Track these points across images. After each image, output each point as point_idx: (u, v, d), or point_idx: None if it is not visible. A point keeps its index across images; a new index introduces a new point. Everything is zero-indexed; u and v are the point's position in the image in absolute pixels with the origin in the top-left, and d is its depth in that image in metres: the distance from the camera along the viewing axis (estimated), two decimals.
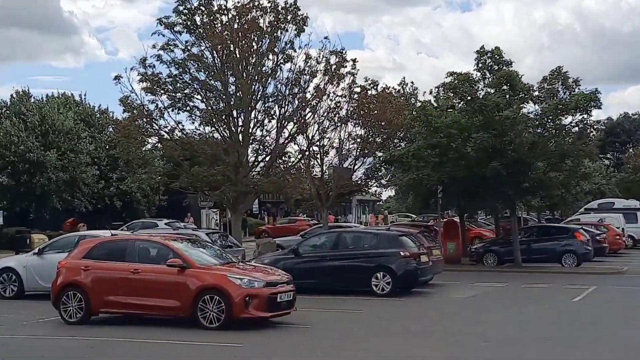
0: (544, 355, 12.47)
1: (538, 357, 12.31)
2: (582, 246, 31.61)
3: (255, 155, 31.17)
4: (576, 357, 12.25)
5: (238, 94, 29.73)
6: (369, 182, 38.74)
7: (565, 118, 30.29)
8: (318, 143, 34.22)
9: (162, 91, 29.75)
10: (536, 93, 30.73)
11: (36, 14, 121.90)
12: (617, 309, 18.98)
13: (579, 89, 30.24)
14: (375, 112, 34.18)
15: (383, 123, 34.34)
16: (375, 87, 35.25)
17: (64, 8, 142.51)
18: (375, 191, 44.90)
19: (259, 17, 29.77)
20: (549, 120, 30.27)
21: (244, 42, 29.47)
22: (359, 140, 35.24)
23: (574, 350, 12.91)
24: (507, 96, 30.01)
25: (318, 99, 31.55)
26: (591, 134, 32.33)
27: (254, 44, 29.71)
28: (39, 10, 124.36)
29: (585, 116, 30.06)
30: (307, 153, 33.83)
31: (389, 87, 37.85)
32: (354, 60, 32.53)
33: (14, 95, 51.79)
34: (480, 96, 30.09)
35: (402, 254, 21.44)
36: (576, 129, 30.77)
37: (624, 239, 42.25)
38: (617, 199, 53.10)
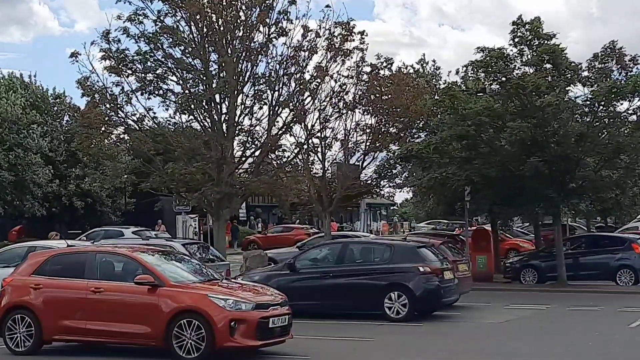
0: None
1: None
2: None
3: (242, 149, 31.15)
4: None
5: (221, 75, 29.73)
6: (381, 182, 38.71)
7: (621, 104, 30.40)
8: (319, 134, 34.24)
9: (130, 71, 29.71)
10: (585, 73, 30.74)
11: None
12: None
13: (637, 68, 30.30)
14: (389, 96, 34.19)
15: (398, 110, 34.33)
16: (389, 67, 35.24)
17: None
18: (389, 193, 44.94)
19: None
20: (601, 107, 30.28)
21: (228, 11, 29.47)
22: (368, 131, 35.19)
23: None
24: (550, 77, 30.03)
25: (319, 81, 31.55)
26: None
27: (240, 13, 29.72)
28: None
29: None
30: (305, 147, 33.81)
31: (406, 66, 37.87)
32: (362, 33, 32.55)
33: None
34: (517, 77, 30.10)
35: (421, 269, 21.49)
36: (634, 117, 30.78)
37: None
38: None
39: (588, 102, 30.54)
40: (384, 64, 34.90)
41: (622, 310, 23.78)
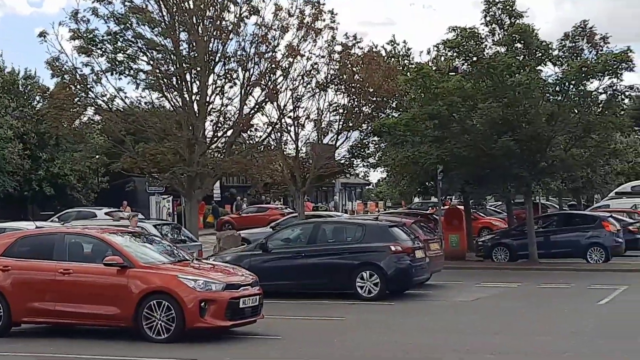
0: None
1: None
2: (612, 238, 31.82)
3: (214, 128, 31.12)
4: None
5: (192, 54, 29.60)
6: (355, 162, 38.73)
7: (591, 83, 30.40)
8: (291, 114, 34.21)
9: (99, 51, 29.56)
10: (556, 52, 30.76)
11: None
12: None
13: (607, 47, 30.36)
14: (361, 75, 34.15)
15: (371, 89, 34.32)
16: (358, 45, 35.16)
17: None
18: (363, 172, 45.01)
19: None
20: (572, 86, 30.31)
21: None
22: (341, 110, 35.20)
23: None
24: (521, 56, 30.06)
25: (291, 60, 31.48)
26: (623, 102, 32.42)
27: None
28: None
29: (615, 80, 30.12)
30: (278, 126, 33.78)
31: (376, 45, 37.78)
32: (332, 12, 32.51)
33: None
34: (488, 56, 30.12)
35: (393, 248, 21.53)
36: (604, 96, 30.86)
37: None
38: None
39: (559, 82, 30.58)
40: (355, 43, 34.83)
41: (592, 288, 23.91)
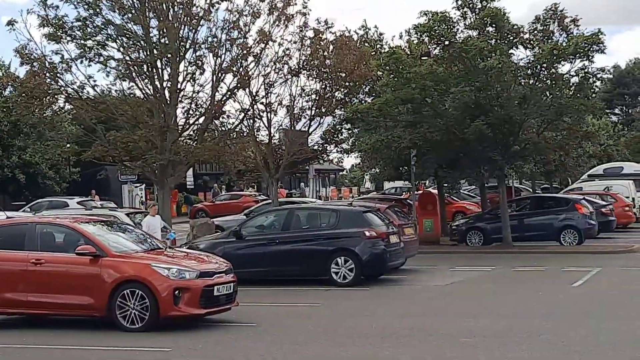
0: (535, 354, 12.60)
1: (525, 357, 12.42)
2: (585, 220, 32.03)
3: (186, 116, 31.01)
4: (572, 358, 12.39)
5: (163, 41, 29.43)
6: (328, 147, 38.70)
7: (563, 66, 30.47)
8: (264, 100, 34.10)
9: (69, 38, 29.32)
10: (527, 36, 30.83)
11: None
12: (625, 296, 19.21)
13: (578, 30, 30.46)
14: (333, 61, 34.08)
15: (343, 74, 34.25)
16: (330, 30, 35.07)
17: None
18: (337, 158, 44.97)
19: None
20: (543, 69, 30.41)
21: None
22: (314, 96, 35.14)
23: (571, 348, 13.06)
24: (493, 40, 30.07)
25: (262, 46, 31.38)
26: (594, 84, 32.57)
27: None
28: None
29: (586, 63, 30.21)
30: (250, 113, 33.68)
31: (349, 30, 37.70)
32: None
33: None
34: (460, 40, 30.12)
35: (367, 234, 21.56)
36: (576, 79, 30.94)
37: (635, 210, 42.90)
38: (627, 163, 53.82)
39: (530, 65, 30.66)
40: (326, 27, 34.73)
41: (566, 270, 24.08)
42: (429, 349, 13.19)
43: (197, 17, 29.77)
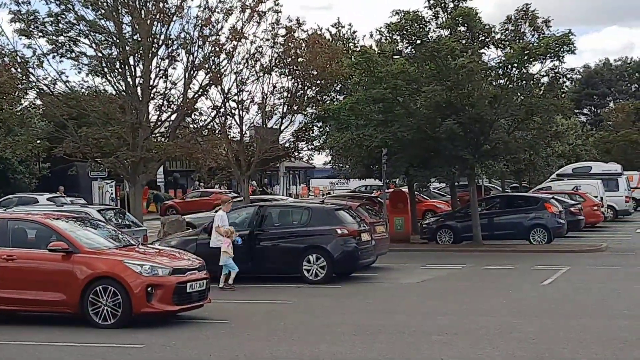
0: (506, 351, 12.71)
1: (499, 354, 12.53)
2: (554, 219, 32.26)
3: (158, 112, 30.87)
4: (541, 355, 12.50)
5: (135, 37, 29.31)
6: (299, 145, 38.74)
7: (533, 66, 30.69)
8: (236, 98, 34.09)
9: (41, 34, 29.14)
10: (498, 36, 31.06)
11: None
12: (593, 294, 19.42)
13: (549, 31, 30.67)
14: (305, 58, 34.13)
15: (315, 72, 34.32)
16: (301, 28, 35.07)
17: None
18: (308, 156, 45.04)
19: None
20: (514, 69, 30.55)
21: None
22: (285, 94, 35.16)
23: (541, 345, 13.18)
24: (464, 40, 30.26)
25: (235, 43, 31.35)
26: (564, 84, 32.86)
27: None
28: None
29: (556, 63, 30.52)
30: (222, 110, 33.66)
31: (321, 28, 37.79)
32: None
33: None
34: (432, 39, 30.25)
35: (339, 232, 21.63)
36: (546, 79, 31.24)
37: (603, 210, 43.25)
38: (595, 162, 54.28)
39: (501, 65, 30.78)
40: (297, 25, 34.73)
41: (536, 269, 24.26)
42: (401, 345, 13.27)
43: (169, 14, 29.68)
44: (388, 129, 30.90)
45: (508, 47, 30.57)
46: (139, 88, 29.47)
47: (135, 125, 28.92)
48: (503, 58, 30.64)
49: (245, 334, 14.62)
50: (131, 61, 29.47)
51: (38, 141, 33.91)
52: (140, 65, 29.51)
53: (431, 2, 30.98)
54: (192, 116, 32.01)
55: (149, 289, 14.83)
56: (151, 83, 29.71)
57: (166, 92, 30.29)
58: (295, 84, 35.18)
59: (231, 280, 20.24)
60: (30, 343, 13.81)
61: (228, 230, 20.74)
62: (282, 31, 33.83)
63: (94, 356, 12.78)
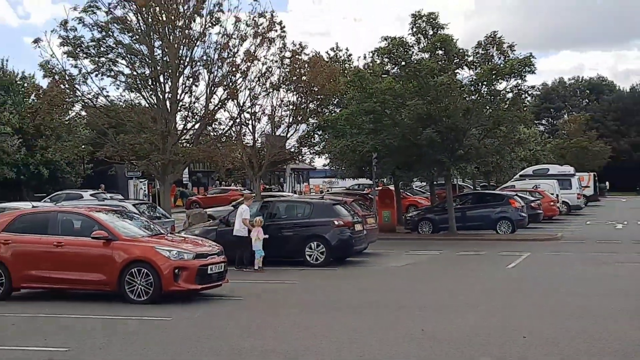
0: (475, 322, 12.75)
1: (469, 324, 12.57)
2: (517, 213, 32.32)
3: (183, 122, 30.80)
4: (504, 325, 12.55)
5: (165, 59, 29.29)
6: (303, 150, 38.74)
7: (500, 83, 30.71)
8: (249, 110, 34.09)
9: (85, 55, 29.13)
10: (471, 58, 31.05)
11: None
12: (550, 276, 19.43)
13: (513, 54, 30.66)
14: (307, 77, 34.14)
15: (316, 89, 34.33)
16: (304, 51, 35.04)
17: None
18: (310, 159, 45.02)
19: None
20: (484, 86, 30.61)
21: (170, 3, 29.04)
22: (291, 107, 35.15)
23: (506, 317, 13.22)
24: (442, 61, 30.26)
25: (248, 64, 31.34)
26: (526, 99, 32.86)
27: (180, 6, 29.30)
28: None
29: (519, 81, 30.54)
30: (238, 120, 33.65)
31: (319, 52, 37.79)
32: (281, 24, 32.43)
33: None
34: (415, 61, 30.27)
35: (336, 223, 21.65)
36: (511, 94, 31.25)
37: (559, 205, 43.31)
38: (552, 165, 54.32)
39: (473, 83, 30.85)
40: (301, 49, 34.74)
41: (501, 254, 24.28)
42: (388, 318, 13.30)
43: (193, 39, 29.69)
44: (377, 136, 30.93)
45: (479, 68, 30.61)
46: (167, 102, 29.45)
47: (165, 133, 28.90)
48: (474, 77, 30.68)
49: (256, 308, 14.67)
50: (161, 79, 29.47)
51: (83, 146, 34.00)
52: (169, 83, 29.49)
53: (414, 29, 30.97)
54: (213, 125, 31.94)
55: (176, 270, 14.86)
56: (178, 98, 29.68)
57: (191, 105, 30.25)
58: (299, 99, 35.17)
59: (260, 264, 20.35)
60: (76, 316, 13.86)
61: (259, 220, 20.87)
62: (288, 54, 33.86)
63: (129, 327, 12.80)
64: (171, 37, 29.16)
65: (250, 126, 35.01)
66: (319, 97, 35.22)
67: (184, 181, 59.73)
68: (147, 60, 29.37)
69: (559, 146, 75.64)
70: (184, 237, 17.68)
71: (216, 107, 31.03)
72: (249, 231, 20.87)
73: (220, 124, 32.59)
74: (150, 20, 29.07)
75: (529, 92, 32.07)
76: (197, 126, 30.84)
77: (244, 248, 20.68)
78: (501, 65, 30.12)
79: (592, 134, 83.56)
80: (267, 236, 20.83)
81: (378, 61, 32.97)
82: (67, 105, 31.28)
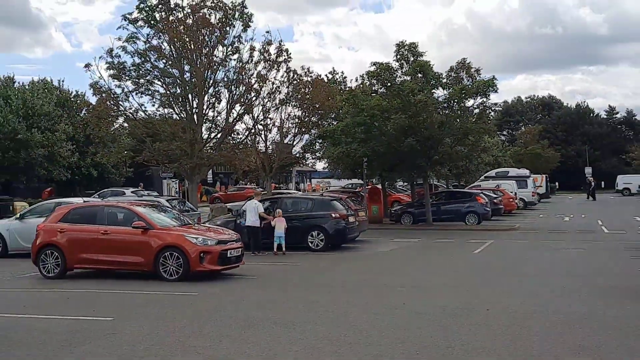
0: (447, 297, 12.77)
1: (442, 299, 12.59)
2: (482, 208, 32.32)
3: (208, 132, 30.84)
4: (471, 299, 12.57)
5: (192, 80, 29.34)
6: (306, 155, 38.76)
7: (468, 101, 30.67)
8: (262, 122, 34.09)
9: (127, 77, 29.18)
10: (444, 80, 31.02)
11: (7, 10, 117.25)
12: (509, 260, 19.44)
13: (479, 76, 30.70)
14: (309, 95, 34.17)
15: (317, 105, 34.34)
16: (309, 74, 35.12)
17: (31, 4, 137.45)
18: (312, 163, 44.96)
19: (210, 14, 29.42)
20: (455, 103, 30.60)
21: (197, 35, 29.08)
22: (296, 120, 35.17)
23: (474, 294, 13.24)
24: (421, 83, 30.26)
25: (261, 84, 31.38)
26: (490, 114, 32.84)
27: (205, 37, 29.34)
28: (10, 7, 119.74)
29: (484, 99, 30.53)
30: (252, 130, 33.67)
31: (320, 74, 37.84)
32: (287, 51, 32.47)
33: None
34: (399, 83, 30.27)
35: (333, 215, 21.66)
36: (477, 110, 31.22)
37: (517, 201, 43.31)
38: (511, 168, 54.26)
39: (446, 100, 30.83)
40: (305, 72, 34.82)
41: (469, 242, 24.27)
42: (375, 294, 13.30)
43: (216, 64, 29.73)
44: (367, 144, 30.92)
45: (451, 88, 30.57)
46: (195, 116, 29.48)
47: (192, 141, 28.93)
48: (447, 95, 30.66)
49: (267, 285, 14.66)
50: (189, 97, 29.52)
51: (125, 152, 33.92)
52: (196, 100, 29.53)
53: (398, 56, 30.95)
54: (232, 135, 31.97)
55: (201, 254, 14.88)
56: (203, 112, 29.72)
57: (214, 118, 30.30)
58: (303, 113, 35.16)
59: (276, 248, 20.35)
60: (118, 291, 13.89)
61: (279, 211, 20.83)
62: (293, 75, 33.86)
63: (163, 300, 12.82)
64: (198, 63, 29.21)
65: (262, 135, 35.01)
66: (319, 112, 35.21)
67: (208, 181, 59.62)
68: (178, 81, 29.42)
69: (517, 153, 75.52)
70: (208, 227, 17.68)
71: (235, 120, 31.08)
72: (261, 222, 20.85)
73: (238, 133, 32.68)
74: (180, 48, 29.12)
75: (492, 108, 32.07)
76: (219, 136, 30.87)
77: (256, 236, 20.67)
78: (469, 86, 30.12)
79: (544, 142, 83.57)
80: (286, 226, 20.80)
81: (368, 82, 32.95)
82: (112, 119, 31.29)
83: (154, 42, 29.24)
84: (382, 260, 19.56)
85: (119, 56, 29.01)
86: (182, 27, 29.01)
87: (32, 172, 45.48)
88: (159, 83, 29.64)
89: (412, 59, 30.82)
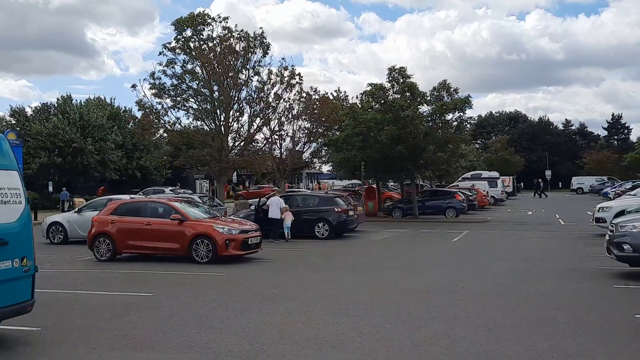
0: (430, 277, 12.76)
1: (426, 279, 12.59)
2: (460, 204, 32.20)
3: (233, 141, 30.97)
4: (450, 280, 12.55)
5: (220, 98, 29.47)
6: (314, 160, 38.74)
7: (448, 115, 30.62)
8: (278, 133, 34.12)
9: (166, 96, 29.34)
10: (428, 98, 30.99)
11: (68, 41, 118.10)
12: (482, 247, 19.37)
13: (457, 95, 30.64)
14: (317, 111, 34.19)
15: (323, 119, 34.34)
16: (317, 93, 35.17)
17: (87, 35, 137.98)
18: (319, 166, 44.93)
19: (235, 43, 29.51)
20: (437, 117, 30.56)
21: (224, 61, 29.18)
22: (306, 131, 35.18)
23: (453, 275, 13.22)
24: (409, 100, 30.23)
25: (277, 102, 31.45)
26: (466, 126, 32.77)
27: (231, 63, 29.45)
28: (70, 38, 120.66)
29: (462, 114, 30.48)
30: (269, 140, 33.71)
31: (326, 93, 37.85)
32: (299, 75, 32.55)
33: (59, 99, 50.40)
34: (390, 100, 30.23)
35: (336, 209, 21.63)
36: (456, 123, 31.15)
37: (488, 198, 43.16)
38: (484, 171, 54.10)
39: (430, 114, 30.78)
40: (314, 91, 34.90)
41: (449, 232, 24.21)
42: (371, 275, 13.27)
43: (240, 85, 29.81)
44: (364, 151, 30.88)
45: (434, 105, 30.54)
46: (222, 127, 29.62)
47: (220, 148, 29.06)
48: (431, 111, 30.63)
49: (281, 267, 14.65)
50: (218, 112, 29.65)
51: (164, 157, 34.05)
52: (223, 114, 29.66)
53: (389, 78, 30.92)
54: (252, 143, 32.07)
55: (227, 241, 14.90)
56: (229, 125, 29.84)
57: (238, 129, 30.48)
58: (312, 125, 35.18)
59: (289, 236, 20.36)
60: (159, 272, 13.91)
61: (286, 207, 20.87)
62: (304, 94, 33.92)
63: (195, 279, 12.83)
64: (225, 84, 29.34)
65: (278, 144, 35.02)
66: (325, 124, 35.20)
67: (233, 181, 59.64)
68: (209, 99, 29.57)
69: (489, 158, 75.28)
70: (232, 219, 17.69)
71: (255, 131, 31.22)
72: (281, 214, 20.85)
73: (257, 142, 32.77)
74: (210, 72, 29.25)
75: (468, 121, 31.98)
76: (242, 144, 30.99)
77: (276, 226, 20.67)
78: (449, 103, 30.06)
79: (511, 150, 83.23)
80: (293, 218, 20.82)
81: (365, 100, 32.96)
82: (154, 130, 31.54)
83: (189, 66, 29.43)
84: (376, 247, 19.52)
85: (160, 78, 29.25)
86: (212, 54, 29.11)
87: (87, 174, 45.76)
88: (193, 100, 29.82)
89: (401, 80, 30.78)
